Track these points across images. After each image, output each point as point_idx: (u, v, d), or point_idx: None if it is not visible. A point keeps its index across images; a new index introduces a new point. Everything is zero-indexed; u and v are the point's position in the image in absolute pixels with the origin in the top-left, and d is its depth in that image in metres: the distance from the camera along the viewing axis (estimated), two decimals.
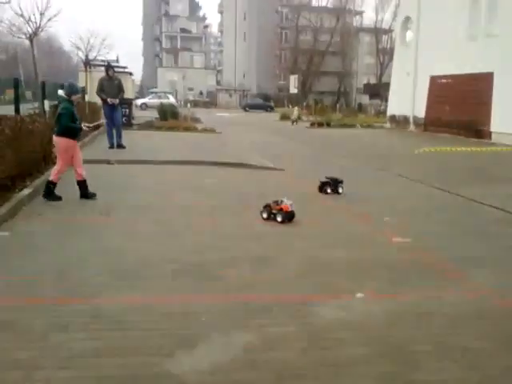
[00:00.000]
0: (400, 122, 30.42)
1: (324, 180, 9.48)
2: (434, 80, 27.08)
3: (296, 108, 35.77)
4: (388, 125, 31.99)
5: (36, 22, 10.51)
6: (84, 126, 8.17)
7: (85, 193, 8.08)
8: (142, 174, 10.77)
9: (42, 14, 10.47)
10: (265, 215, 7.29)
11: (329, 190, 9.33)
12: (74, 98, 7.98)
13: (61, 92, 7.99)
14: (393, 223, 7.44)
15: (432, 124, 27.26)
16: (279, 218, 7.16)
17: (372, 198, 9.32)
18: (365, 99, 63.94)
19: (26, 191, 7.72)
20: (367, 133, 26.20)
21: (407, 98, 29.08)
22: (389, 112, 32.37)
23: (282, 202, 7.25)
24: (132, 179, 10.15)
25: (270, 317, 4.09)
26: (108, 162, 11.88)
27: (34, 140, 9.58)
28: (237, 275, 4.99)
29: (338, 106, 49.80)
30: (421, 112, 28.23)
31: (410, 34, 29.88)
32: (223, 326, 3.86)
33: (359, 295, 4.60)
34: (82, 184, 8.08)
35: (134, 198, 8.35)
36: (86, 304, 4.12)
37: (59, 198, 7.87)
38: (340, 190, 9.37)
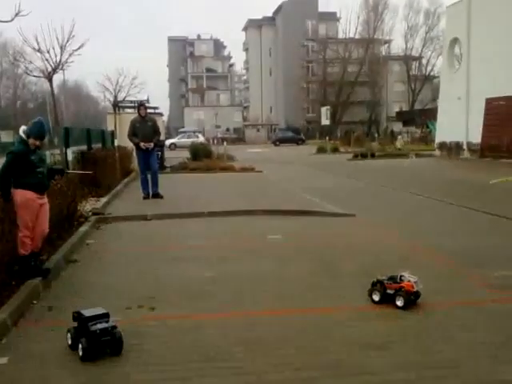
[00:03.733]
0: (452, 148, 27.99)
1: None
2: (490, 103, 24.71)
3: (400, 137, 33.01)
4: (437, 152, 29.58)
5: (56, 59, 9.23)
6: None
7: (31, 269, 5.58)
8: (186, 233, 8.67)
9: (62, 48, 9.19)
10: (376, 297, 5.06)
11: None
12: (30, 141, 5.61)
13: (21, 130, 5.74)
14: None
15: (490, 150, 24.73)
16: (400, 303, 4.91)
17: (485, 251, 7.02)
18: (397, 127, 61.68)
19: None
20: (420, 162, 23.85)
21: (459, 123, 26.73)
22: (438, 139, 30.01)
23: (401, 278, 5.02)
24: (176, 241, 8.05)
25: None
26: (145, 218, 9.86)
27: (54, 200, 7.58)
28: None
29: (376, 135, 47.53)
30: (475, 137, 25.78)
31: (458, 56, 27.72)
32: None
33: None
34: (34, 256, 5.70)
35: (181, 273, 6.19)
36: None
37: (46, 272, 5.73)
38: None
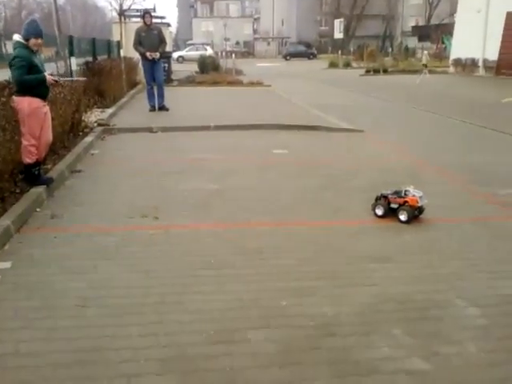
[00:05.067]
0: (466, 65, 27.12)
1: None
2: (511, 17, 23.57)
3: (426, 52, 31.03)
4: (452, 69, 28.70)
5: None
6: (55, 78, 5.66)
7: (35, 177, 5.59)
8: (193, 146, 8.56)
9: None
10: (379, 212, 5.04)
11: None
12: (31, 42, 5.37)
13: (16, 36, 5.48)
14: None
15: (507, 67, 23.95)
16: (403, 217, 4.89)
17: (494, 170, 6.92)
18: (411, 42, 59.43)
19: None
20: (433, 79, 23.17)
21: (476, 38, 25.67)
22: (453, 55, 28.98)
23: (406, 192, 4.97)
24: (181, 154, 7.97)
25: None
26: (150, 131, 9.74)
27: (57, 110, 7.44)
28: None
29: (390, 50, 45.96)
30: (492, 54, 24.87)
31: None
32: None
33: None
34: (38, 165, 5.65)
35: (185, 185, 6.17)
36: None
37: (49, 181, 5.77)
38: None
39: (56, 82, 5.74)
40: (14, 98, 5.48)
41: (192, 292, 3.48)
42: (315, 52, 58.47)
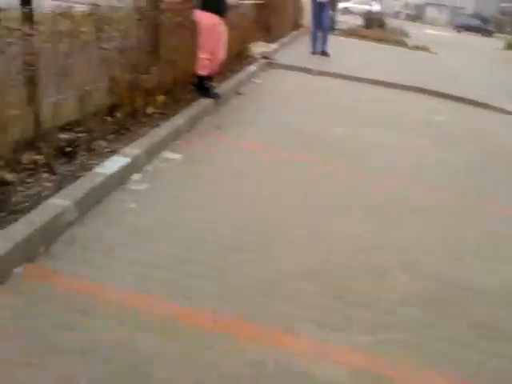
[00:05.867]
0: None
1: None
2: None
3: None
4: None
5: None
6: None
7: (206, 89, 5.96)
8: (348, 94, 8.51)
9: None
10: None
11: None
12: None
13: None
14: None
15: None
16: None
17: None
18: None
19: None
20: None
21: None
22: None
23: None
24: (338, 100, 7.95)
25: None
26: (309, 72, 9.80)
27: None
28: None
29: None
30: None
31: None
32: None
33: None
34: (207, 79, 5.97)
35: (344, 130, 6.16)
36: None
37: (217, 96, 6.09)
38: None
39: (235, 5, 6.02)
40: (195, 11, 5.80)
41: (337, 229, 3.62)
42: (491, 29, 53.79)
